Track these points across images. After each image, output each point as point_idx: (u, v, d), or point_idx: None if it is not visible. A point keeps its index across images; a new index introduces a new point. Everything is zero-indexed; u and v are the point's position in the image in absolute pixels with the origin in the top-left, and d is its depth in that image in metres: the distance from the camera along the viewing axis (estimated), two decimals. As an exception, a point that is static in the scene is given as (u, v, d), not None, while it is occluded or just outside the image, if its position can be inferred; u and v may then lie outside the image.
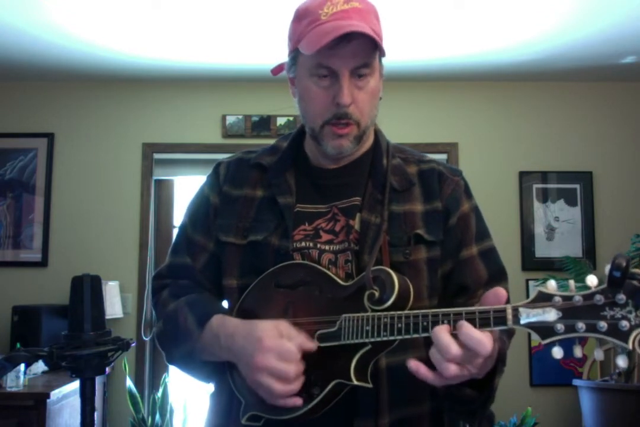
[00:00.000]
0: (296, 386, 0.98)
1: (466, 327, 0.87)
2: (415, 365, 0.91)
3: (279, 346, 0.98)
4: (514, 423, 3.37)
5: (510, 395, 3.48)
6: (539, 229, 3.84)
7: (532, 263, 3.80)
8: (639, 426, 2.99)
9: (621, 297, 0.79)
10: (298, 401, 0.99)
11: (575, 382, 3.36)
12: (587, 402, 3.23)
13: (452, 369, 0.88)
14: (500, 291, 0.90)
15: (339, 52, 1.06)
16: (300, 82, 1.14)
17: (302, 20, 1.11)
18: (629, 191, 3.89)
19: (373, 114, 1.14)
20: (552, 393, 3.70)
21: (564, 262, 3.56)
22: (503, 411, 3.39)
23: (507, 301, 0.93)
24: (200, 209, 1.25)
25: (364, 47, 1.07)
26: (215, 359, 1.10)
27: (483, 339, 0.86)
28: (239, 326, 1.05)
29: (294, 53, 1.14)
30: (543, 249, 3.81)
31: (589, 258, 3.76)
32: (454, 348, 0.87)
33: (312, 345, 1.00)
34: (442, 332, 0.88)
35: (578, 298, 0.82)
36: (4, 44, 3.33)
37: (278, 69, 1.22)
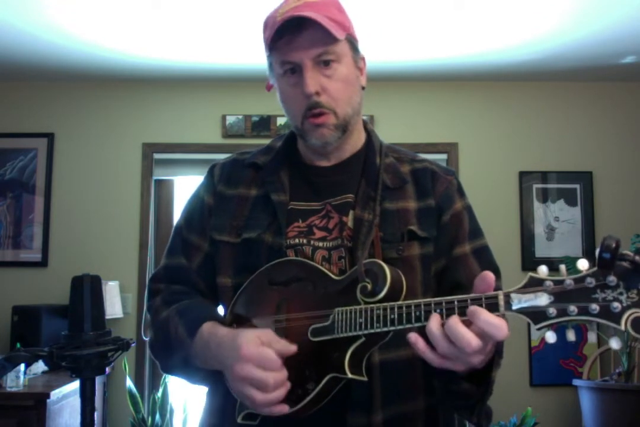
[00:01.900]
0: (278, 394, 0.96)
1: (484, 313, 0.85)
2: (414, 337, 0.90)
3: (257, 354, 0.97)
4: (514, 423, 3.37)
5: (510, 395, 3.48)
6: (539, 229, 3.84)
7: (532, 263, 3.79)
8: (639, 426, 2.99)
9: (612, 279, 0.78)
10: (284, 409, 0.97)
11: (575, 382, 3.36)
12: (587, 402, 3.23)
13: (477, 359, 0.88)
14: (487, 274, 0.89)
15: (295, 45, 1.09)
16: (278, 85, 1.17)
17: (266, 27, 1.15)
18: (629, 191, 3.89)
19: (353, 101, 1.15)
20: (552, 393, 3.70)
21: (564, 262, 3.56)
22: (503, 411, 3.39)
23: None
24: (195, 210, 1.26)
25: (319, 34, 1.09)
26: (209, 367, 1.09)
27: (501, 324, 0.85)
28: (225, 335, 1.04)
29: (269, 60, 1.18)
30: (543, 249, 3.81)
31: (589, 258, 3.75)
32: (475, 342, 0.85)
33: (293, 348, 0.99)
34: (458, 326, 0.86)
35: (569, 282, 0.82)
36: (4, 44, 3.33)
37: (270, 84, 1.24)
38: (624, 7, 2.92)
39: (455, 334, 0.85)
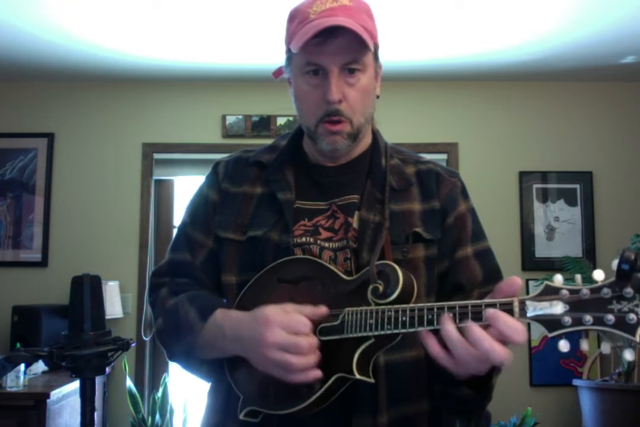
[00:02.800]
0: (313, 358, 0.96)
1: (503, 316, 0.86)
2: (427, 336, 0.91)
3: (287, 320, 0.97)
4: (514, 423, 3.37)
5: (510, 395, 3.48)
6: (539, 229, 3.84)
7: (532, 263, 3.80)
8: (639, 426, 2.99)
9: (628, 290, 0.79)
10: (318, 374, 0.96)
11: (575, 382, 3.36)
12: (587, 402, 3.23)
13: (504, 351, 0.87)
14: (514, 279, 0.90)
15: (326, 49, 1.08)
16: (295, 81, 1.15)
17: (294, 20, 1.13)
18: (629, 191, 3.89)
19: (367, 112, 1.14)
20: (552, 393, 3.70)
21: (564, 262, 3.56)
22: (503, 411, 3.39)
23: None
24: (200, 207, 1.25)
25: (351, 42, 1.07)
26: (218, 354, 1.09)
27: (519, 327, 0.85)
28: (243, 315, 1.04)
29: (288, 53, 1.16)
30: (543, 249, 3.81)
31: (589, 258, 3.76)
32: (497, 346, 0.86)
33: (323, 310, 0.99)
34: (484, 337, 0.86)
35: (585, 291, 0.82)
36: (4, 44, 3.33)
37: (279, 71, 1.23)
38: (624, 7, 2.92)
39: (476, 337, 0.86)
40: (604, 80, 3.93)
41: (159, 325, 1.19)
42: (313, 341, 0.97)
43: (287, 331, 0.96)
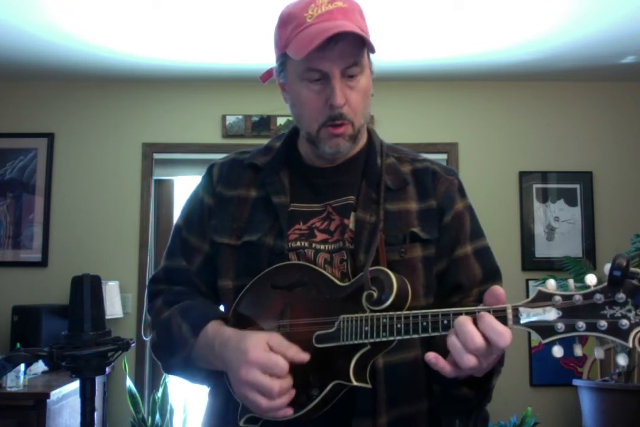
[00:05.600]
0: (282, 401, 0.96)
1: (489, 318, 0.86)
2: (434, 357, 0.90)
3: (264, 360, 0.96)
4: (514, 423, 3.37)
5: (510, 395, 3.48)
6: (539, 229, 3.84)
7: (532, 263, 3.80)
8: (639, 426, 2.99)
9: (621, 296, 0.79)
10: (288, 413, 0.98)
11: (575, 382, 3.36)
12: (587, 402, 3.23)
13: (473, 360, 0.87)
14: (497, 290, 0.90)
15: (327, 54, 1.06)
16: (292, 87, 1.14)
17: (288, 25, 1.10)
18: (629, 191, 3.89)
19: (366, 112, 1.14)
20: (552, 393, 3.70)
21: (564, 262, 3.56)
22: (503, 411, 3.39)
23: None
24: (195, 211, 1.25)
25: (352, 46, 1.07)
26: (211, 367, 1.09)
27: (505, 332, 0.86)
28: (232, 336, 1.04)
29: (282, 58, 1.13)
30: (543, 249, 3.81)
31: (589, 258, 3.76)
32: (479, 340, 0.86)
33: (304, 356, 0.99)
34: (467, 323, 0.87)
35: (578, 297, 0.82)
36: (4, 44, 3.33)
37: (266, 75, 1.21)
38: (624, 7, 2.92)
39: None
40: (604, 80, 3.93)
41: (153, 339, 1.19)
42: (286, 384, 0.96)
43: (263, 371, 0.96)
